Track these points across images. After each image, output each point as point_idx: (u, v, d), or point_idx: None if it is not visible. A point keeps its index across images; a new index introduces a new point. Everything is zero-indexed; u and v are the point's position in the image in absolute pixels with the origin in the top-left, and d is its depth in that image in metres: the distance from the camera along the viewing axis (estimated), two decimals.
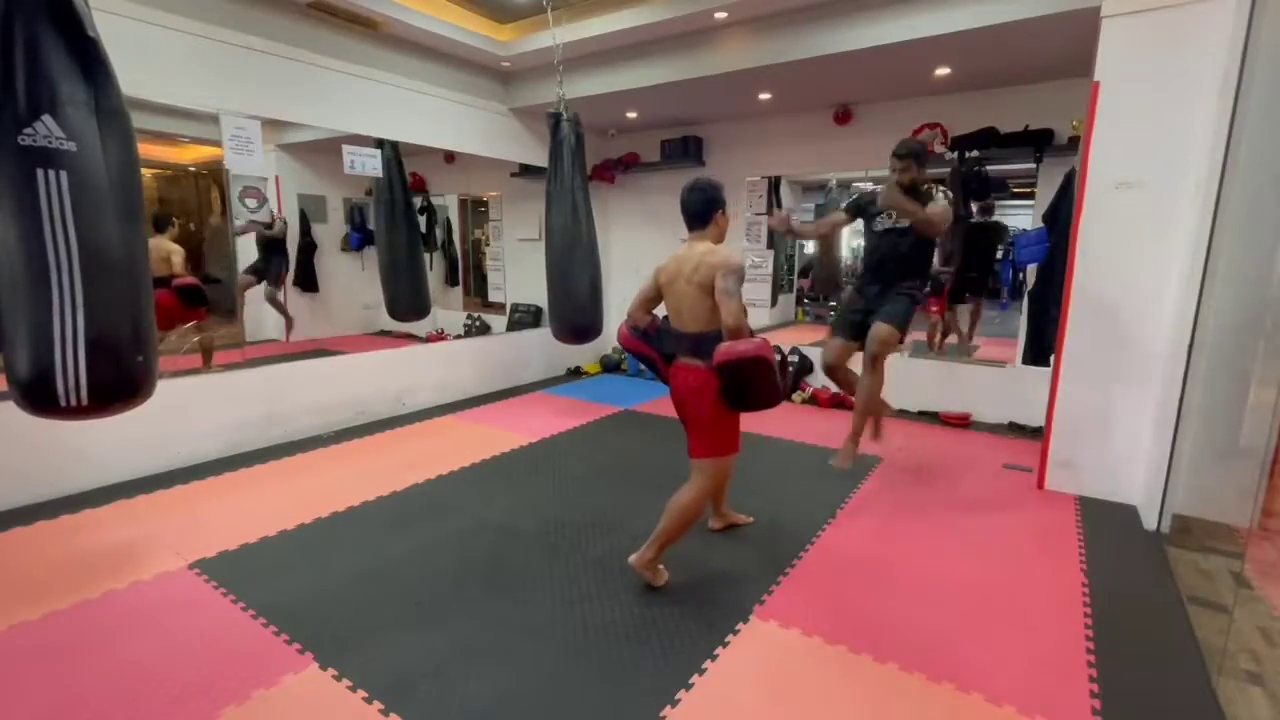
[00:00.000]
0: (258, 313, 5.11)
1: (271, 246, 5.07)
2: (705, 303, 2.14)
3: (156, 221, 4.00)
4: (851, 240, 7.01)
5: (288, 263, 5.27)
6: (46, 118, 1.70)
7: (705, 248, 2.19)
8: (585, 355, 6.24)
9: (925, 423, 4.50)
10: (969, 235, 4.63)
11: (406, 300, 5.05)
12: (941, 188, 2.91)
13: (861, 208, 3.12)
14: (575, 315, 4.21)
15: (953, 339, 5.17)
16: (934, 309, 5.89)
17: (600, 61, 4.49)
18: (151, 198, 4.13)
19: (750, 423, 4.39)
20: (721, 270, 2.08)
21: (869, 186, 6.51)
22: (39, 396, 1.79)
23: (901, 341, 3.05)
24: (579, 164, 4.06)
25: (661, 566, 2.31)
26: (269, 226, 4.85)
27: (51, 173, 1.70)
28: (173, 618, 2.08)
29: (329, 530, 2.74)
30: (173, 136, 3.85)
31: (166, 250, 3.98)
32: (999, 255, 5.74)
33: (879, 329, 2.96)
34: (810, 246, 7.21)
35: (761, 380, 2.04)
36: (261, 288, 5.10)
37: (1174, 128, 2.79)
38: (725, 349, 2.02)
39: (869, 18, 3.51)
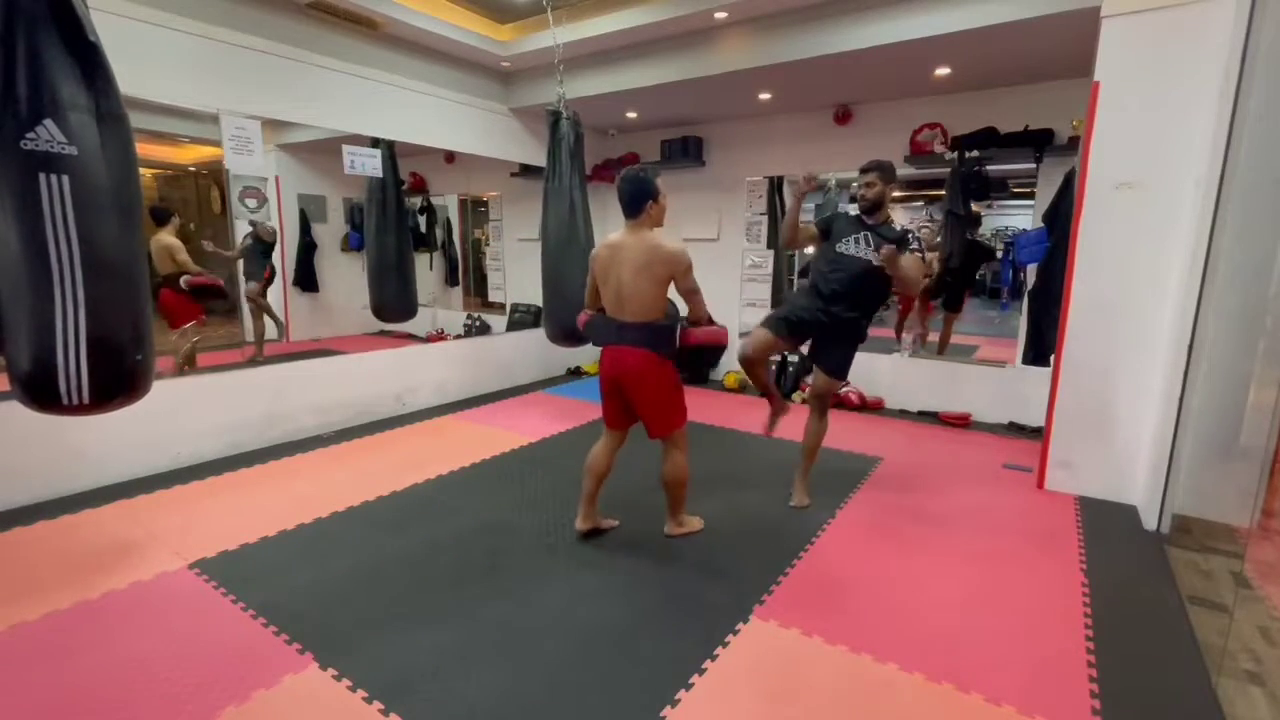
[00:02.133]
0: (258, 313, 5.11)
1: (263, 252, 5.04)
2: (657, 293, 2.32)
3: (155, 214, 3.94)
4: None
5: (273, 267, 5.24)
6: (48, 122, 1.72)
7: (653, 240, 2.30)
8: (585, 355, 6.24)
9: (925, 423, 4.50)
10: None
11: (393, 301, 5.03)
12: (913, 235, 2.74)
13: (828, 224, 2.97)
14: (569, 317, 4.19)
15: (921, 337, 5.19)
16: (904, 305, 5.92)
17: (600, 61, 4.49)
18: (151, 198, 4.13)
19: (750, 423, 4.40)
20: (681, 271, 2.32)
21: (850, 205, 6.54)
22: (42, 394, 1.83)
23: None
24: (577, 163, 4.06)
25: (689, 518, 2.71)
26: (266, 237, 4.83)
27: (54, 176, 1.73)
28: (172, 618, 2.08)
29: (329, 530, 2.74)
30: (173, 136, 3.85)
31: (167, 246, 3.93)
32: (984, 270, 5.84)
33: (822, 381, 2.93)
34: (811, 247, 7.21)
35: (719, 351, 2.54)
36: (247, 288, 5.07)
37: (1174, 128, 2.79)
38: (707, 335, 2.40)
39: (869, 18, 3.51)
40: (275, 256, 5.12)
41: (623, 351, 2.39)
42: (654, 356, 2.37)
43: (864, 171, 2.85)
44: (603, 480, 2.66)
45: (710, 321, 2.45)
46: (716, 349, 2.48)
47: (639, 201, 2.32)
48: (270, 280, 5.17)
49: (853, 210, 2.92)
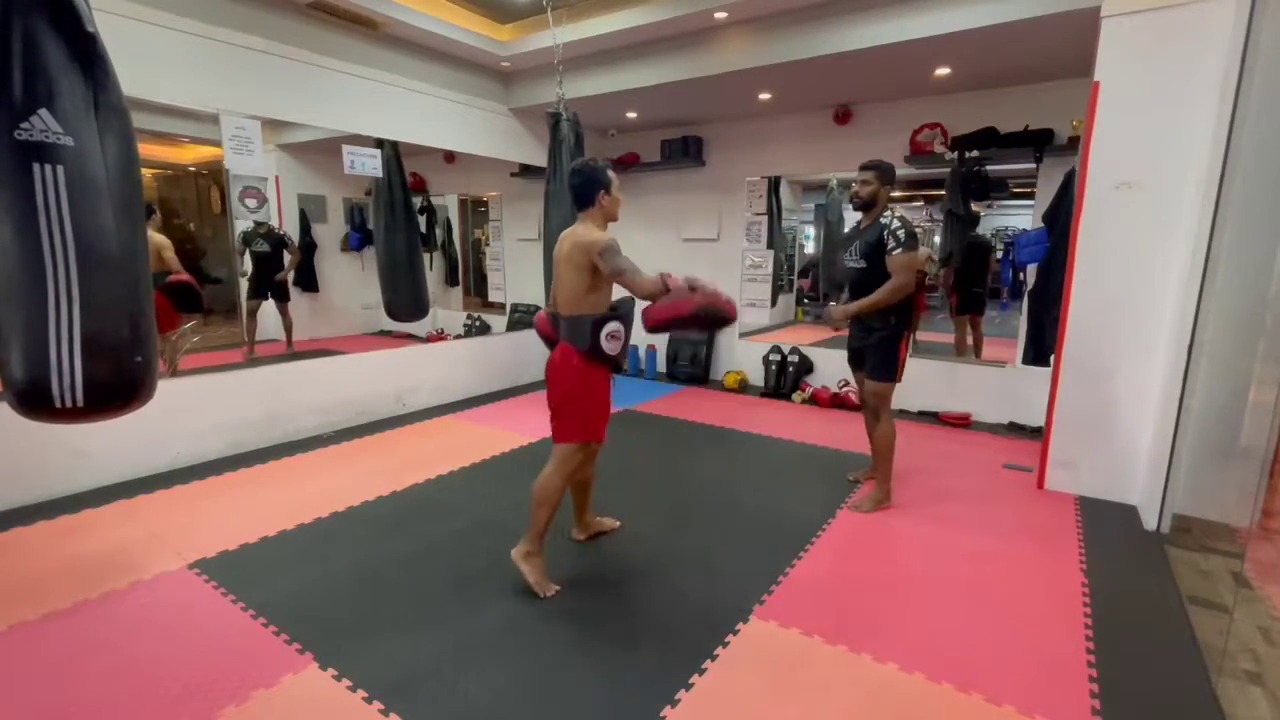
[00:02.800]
0: (261, 313, 5.11)
1: (272, 263, 5.03)
2: (578, 283, 2.17)
3: None
4: None
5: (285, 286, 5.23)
6: (43, 112, 1.68)
7: (581, 229, 2.20)
8: None
9: (925, 423, 4.50)
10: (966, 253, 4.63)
11: (406, 301, 5.04)
12: (892, 232, 2.73)
13: (830, 236, 3.02)
14: None
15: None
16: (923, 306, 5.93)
17: (600, 61, 4.49)
18: (151, 197, 4.13)
19: (751, 423, 4.40)
20: (596, 252, 2.10)
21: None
22: (33, 398, 1.74)
23: (899, 380, 2.91)
24: None
25: (542, 566, 2.27)
26: (279, 243, 4.79)
27: (48, 167, 1.68)
28: (173, 618, 2.07)
29: (329, 530, 2.74)
30: (173, 136, 3.85)
31: (154, 244, 3.92)
32: (997, 261, 5.81)
33: (870, 388, 2.93)
34: (810, 247, 7.22)
35: (716, 319, 2.16)
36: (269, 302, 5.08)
37: (1174, 128, 2.79)
38: (663, 310, 2.11)
39: (869, 18, 3.51)
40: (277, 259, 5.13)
41: (559, 345, 2.31)
42: (570, 352, 2.23)
43: (862, 169, 2.87)
44: (588, 489, 2.59)
45: (665, 290, 2.11)
46: (693, 320, 2.10)
47: (589, 192, 2.23)
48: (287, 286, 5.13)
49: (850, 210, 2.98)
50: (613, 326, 2.23)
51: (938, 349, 5.23)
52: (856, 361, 3.03)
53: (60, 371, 1.73)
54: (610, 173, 2.25)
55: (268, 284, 5.06)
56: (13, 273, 1.70)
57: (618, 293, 2.28)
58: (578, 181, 2.23)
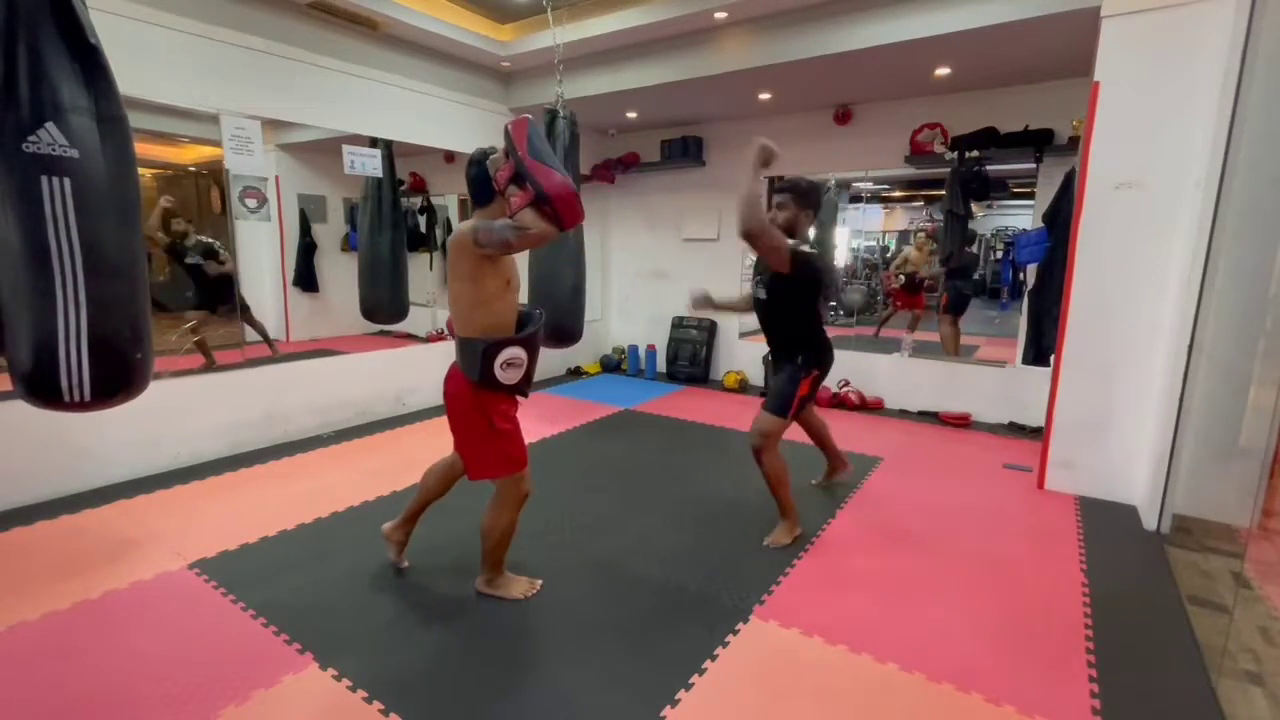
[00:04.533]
0: (258, 313, 5.10)
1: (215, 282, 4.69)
2: (463, 294, 1.90)
3: None
4: (852, 241, 7.02)
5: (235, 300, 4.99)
6: (50, 125, 1.73)
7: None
8: (585, 355, 6.24)
9: (925, 423, 4.50)
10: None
11: (385, 301, 5.00)
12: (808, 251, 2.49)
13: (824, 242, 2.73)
14: (556, 318, 4.15)
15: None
16: (899, 304, 5.99)
17: (600, 61, 4.49)
18: (151, 198, 4.13)
19: (749, 423, 4.39)
20: (472, 240, 1.81)
21: (870, 186, 6.55)
22: (44, 392, 1.86)
23: (789, 420, 2.63)
24: (571, 162, 4.05)
25: (511, 576, 2.23)
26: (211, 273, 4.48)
27: (55, 179, 1.75)
28: (173, 618, 2.07)
29: (329, 530, 2.74)
30: (173, 136, 3.85)
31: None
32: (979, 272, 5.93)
33: (758, 419, 2.61)
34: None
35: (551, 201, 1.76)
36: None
37: (1174, 127, 2.79)
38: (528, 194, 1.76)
39: (869, 18, 3.51)
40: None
41: (452, 368, 2.04)
42: (463, 380, 1.96)
43: (778, 191, 2.57)
44: (430, 503, 2.32)
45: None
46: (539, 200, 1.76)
47: (486, 186, 1.91)
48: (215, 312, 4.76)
49: None
50: (509, 354, 1.92)
51: (932, 348, 5.23)
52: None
53: (69, 370, 1.84)
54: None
55: (210, 296, 4.81)
56: (23, 279, 1.79)
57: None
58: (472, 173, 1.93)
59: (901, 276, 5.97)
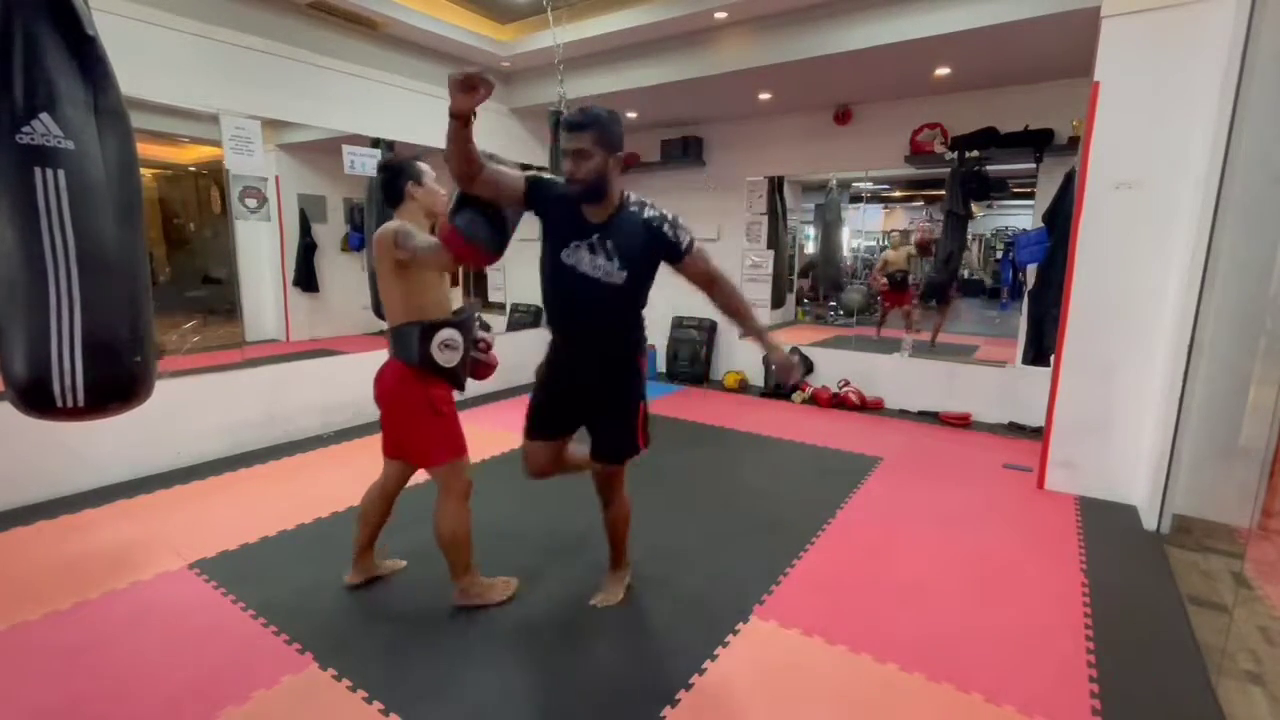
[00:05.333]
0: (258, 313, 5.11)
1: None
2: (393, 288, 1.96)
3: None
4: (851, 240, 7.01)
5: None
6: (44, 116, 1.69)
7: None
8: None
9: (925, 423, 4.50)
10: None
11: None
12: (658, 210, 1.85)
13: (539, 193, 1.83)
14: None
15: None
16: (888, 303, 6.04)
17: (600, 61, 4.49)
18: (152, 198, 4.13)
19: (751, 423, 4.40)
20: (393, 240, 1.88)
21: (870, 186, 6.54)
22: (35, 397, 1.77)
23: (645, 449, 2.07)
24: None
25: (487, 580, 2.19)
26: None
27: (49, 171, 1.69)
28: (172, 618, 2.07)
29: (329, 530, 2.74)
30: (173, 136, 3.85)
31: None
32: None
33: (600, 469, 2.08)
34: (811, 247, 7.21)
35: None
36: None
37: (1174, 127, 2.79)
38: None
39: (869, 18, 3.51)
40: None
41: (380, 369, 2.08)
42: (398, 366, 2.00)
43: (571, 129, 1.72)
44: (377, 529, 2.28)
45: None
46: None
47: (395, 185, 2.04)
48: None
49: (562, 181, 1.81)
50: (446, 335, 1.97)
51: (947, 350, 5.23)
52: (566, 420, 2.09)
53: (62, 372, 1.75)
54: (420, 164, 2.09)
55: None
56: (15, 276, 1.72)
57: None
58: (383, 178, 2.08)
59: (884, 277, 6.06)
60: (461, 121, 1.62)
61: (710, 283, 1.90)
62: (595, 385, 1.98)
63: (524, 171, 1.87)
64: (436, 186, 2.10)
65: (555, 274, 1.86)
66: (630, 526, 2.23)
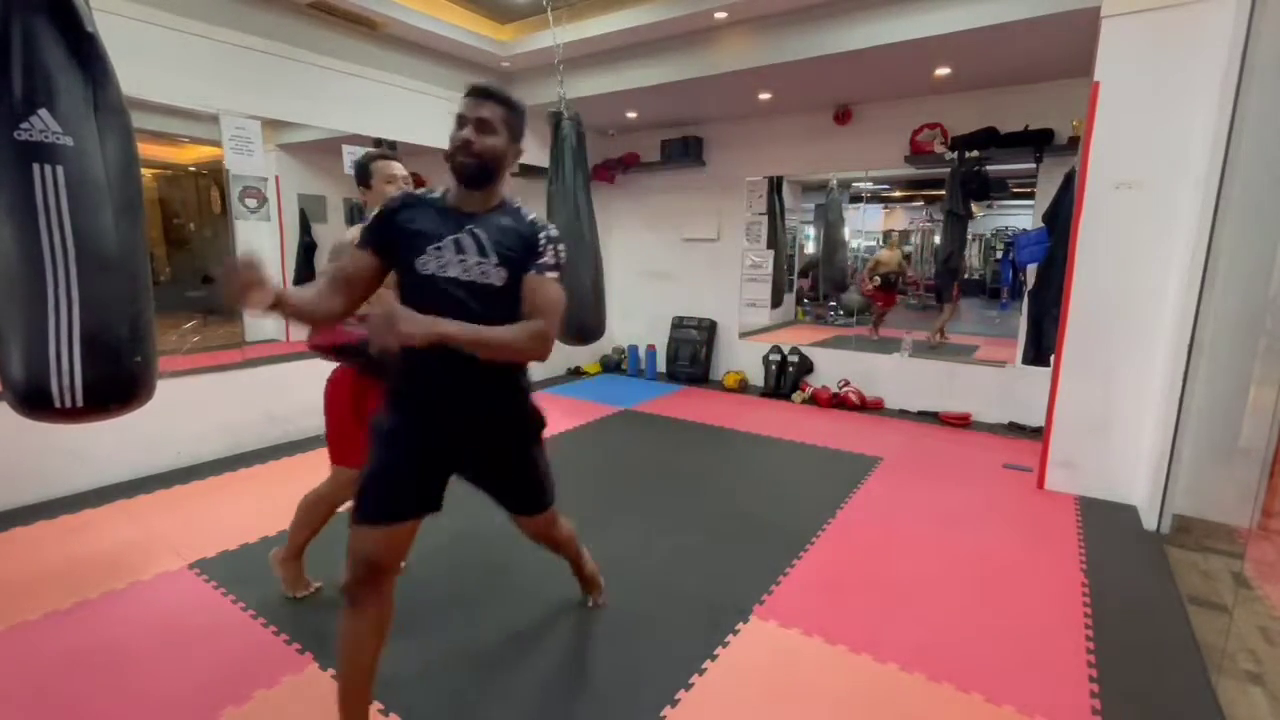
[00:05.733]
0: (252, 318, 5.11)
1: None
2: None
3: None
4: (852, 240, 7.01)
5: None
6: (43, 112, 1.68)
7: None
8: (585, 355, 6.24)
9: (925, 423, 4.50)
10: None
11: None
12: (547, 224, 1.53)
13: (386, 224, 1.49)
14: (581, 315, 4.16)
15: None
16: (880, 303, 6.07)
17: (600, 61, 4.49)
18: (152, 198, 4.13)
19: (751, 423, 4.40)
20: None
21: (870, 186, 6.54)
22: (33, 397, 1.75)
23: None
24: (581, 164, 4.05)
25: (299, 569, 2.22)
26: None
27: (48, 168, 1.68)
28: (172, 618, 2.07)
29: (328, 530, 2.73)
30: (173, 136, 3.85)
31: None
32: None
33: (528, 523, 1.84)
34: (811, 246, 7.21)
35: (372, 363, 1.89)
36: None
37: (1174, 128, 2.79)
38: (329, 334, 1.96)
39: (869, 18, 3.51)
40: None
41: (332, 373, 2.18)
42: (345, 371, 2.11)
43: (481, 95, 1.48)
44: (313, 532, 2.23)
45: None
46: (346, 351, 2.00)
47: (362, 175, 2.23)
48: None
49: (438, 190, 1.55)
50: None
51: (947, 350, 5.23)
52: (432, 486, 1.58)
53: (60, 372, 1.73)
54: (376, 164, 2.21)
55: None
56: (12, 273, 1.70)
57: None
58: (356, 171, 2.25)
59: (877, 278, 6.08)
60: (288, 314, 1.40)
61: (530, 312, 1.45)
62: (481, 432, 1.56)
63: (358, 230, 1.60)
64: (385, 188, 2.15)
65: (410, 294, 1.45)
66: (577, 538, 2.05)
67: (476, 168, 1.45)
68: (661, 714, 1.66)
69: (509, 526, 2.74)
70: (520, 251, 1.47)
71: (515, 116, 1.52)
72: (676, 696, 1.73)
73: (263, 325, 5.21)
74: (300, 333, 5.65)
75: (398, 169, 2.26)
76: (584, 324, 4.21)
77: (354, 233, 1.81)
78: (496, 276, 1.44)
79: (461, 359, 1.36)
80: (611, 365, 6.34)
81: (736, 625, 2.05)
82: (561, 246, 1.52)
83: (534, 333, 1.42)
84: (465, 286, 1.43)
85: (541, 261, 1.47)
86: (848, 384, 4.94)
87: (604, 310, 4.25)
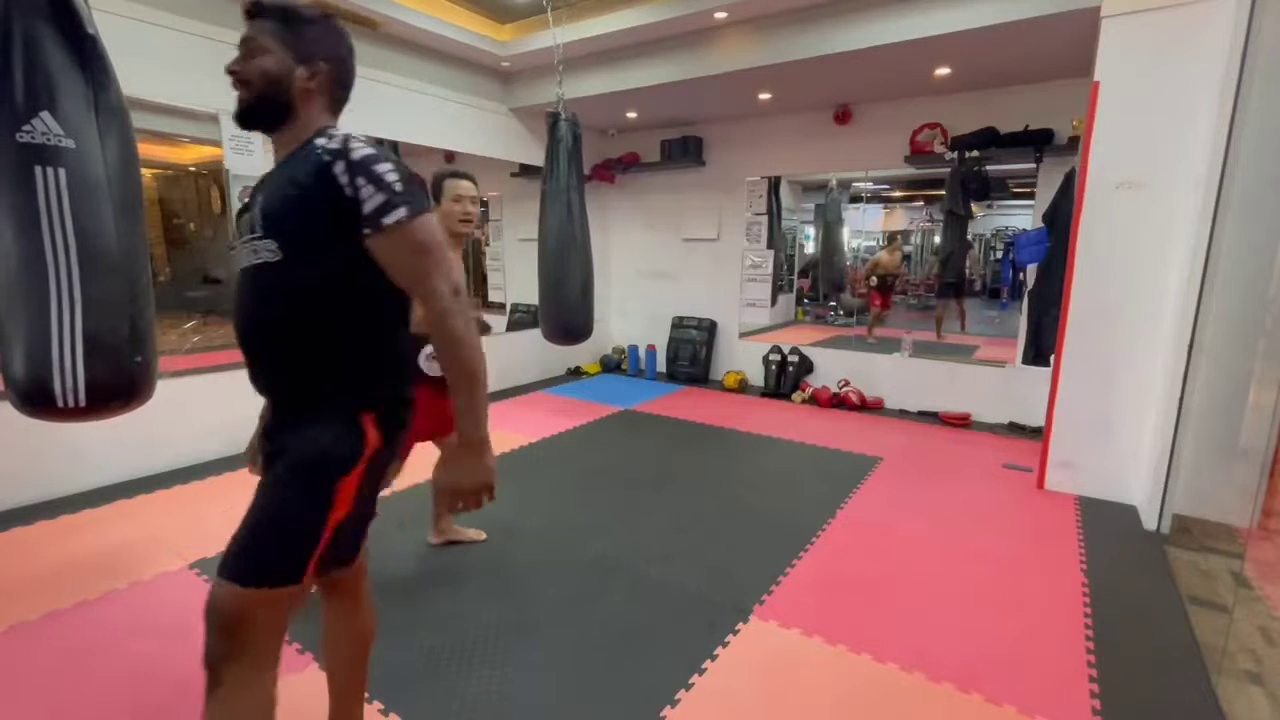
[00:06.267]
0: None
1: None
2: None
3: None
4: (851, 240, 7.02)
5: None
6: (45, 114, 1.69)
7: None
8: (585, 355, 6.24)
9: (925, 423, 4.51)
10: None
11: None
12: (362, 145, 1.08)
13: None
14: (567, 315, 4.16)
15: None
16: (877, 303, 6.09)
17: (600, 61, 4.49)
18: (152, 198, 4.13)
19: (751, 423, 4.40)
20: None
21: (870, 186, 6.54)
22: (36, 397, 1.77)
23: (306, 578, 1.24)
24: (575, 165, 4.04)
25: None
26: None
27: (50, 170, 1.69)
28: (173, 618, 2.07)
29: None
30: (173, 136, 3.85)
31: None
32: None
33: (220, 596, 1.21)
34: (810, 246, 7.22)
35: None
36: None
37: (1174, 128, 2.79)
38: None
39: (869, 18, 3.51)
40: None
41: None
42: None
43: (248, 15, 1.22)
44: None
45: None
46: None
47: (434, 198, 2.25)
48: None
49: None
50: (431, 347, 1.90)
51: (936, 348, 5.23)
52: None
53: (63, 371, 1.75)
54: (448, 181, 2.25)
55: None
56: (15, 274, 1.72)
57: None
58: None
59: (874, 279, 6.09)
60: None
61: (423, 296, 1.06)
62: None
63: None
64: (452, 206, 2.20)
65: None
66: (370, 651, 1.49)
67: (252, 101, 1.17)
68: (661, 714, 1.66)
69: (507, 526, 2.76)
70: (296, 206, 1.05)
71: (296, 28, 1.18)
72: (676, 696, 1.73)
73: None
74: None
75: (465, 188, 2.26)
76: (570, 324, 4.20)
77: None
78: (265, 250, 1.06)
79: (270, 379, 1.16)
80: (611, 365, 6.34)
81: (736, 625, 2.05)
82: (387, 166, 1.05)
83: (436, 322, 1.05)
84: (248, 278, 1.10)
85: (367, 211, 1.02)
86: (848, 384, 4.94)
87: (592, 311, 4.22)
